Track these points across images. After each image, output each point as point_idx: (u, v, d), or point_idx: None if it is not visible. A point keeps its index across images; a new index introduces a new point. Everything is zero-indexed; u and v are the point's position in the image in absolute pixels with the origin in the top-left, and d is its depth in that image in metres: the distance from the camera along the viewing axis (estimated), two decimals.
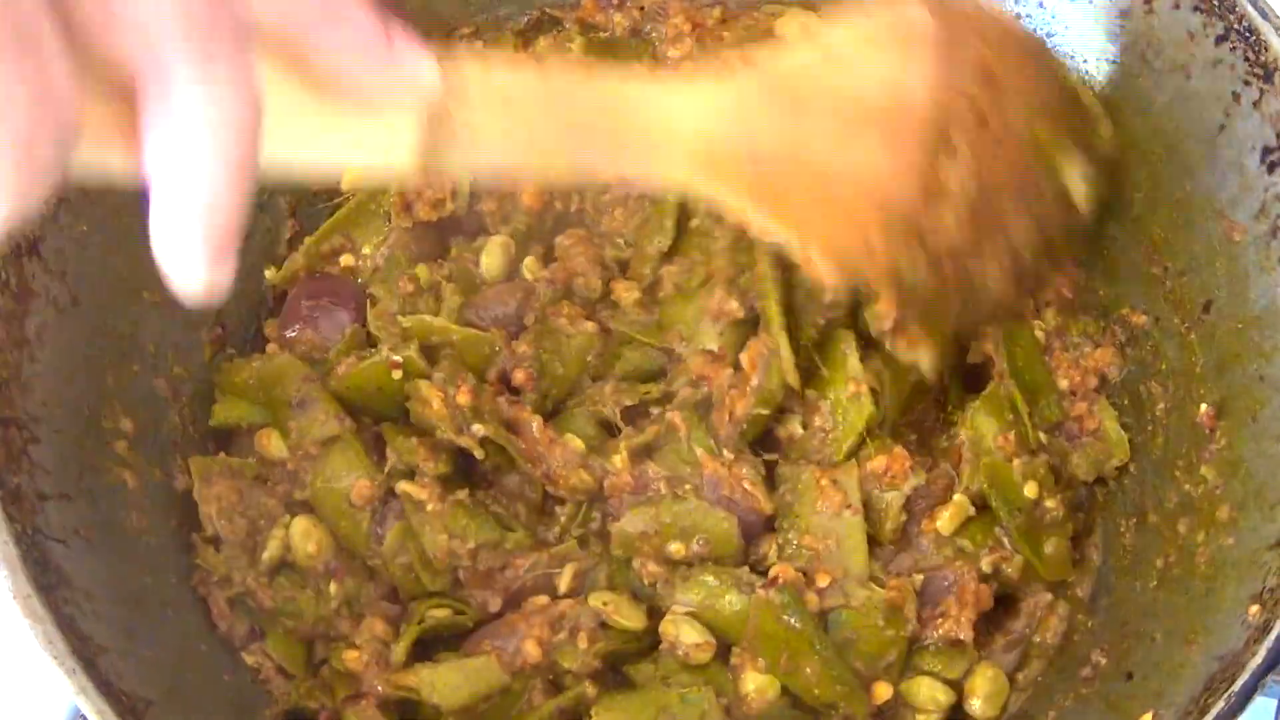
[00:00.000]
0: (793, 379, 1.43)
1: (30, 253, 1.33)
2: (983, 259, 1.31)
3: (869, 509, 1.42)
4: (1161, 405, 1.47)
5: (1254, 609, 1.20)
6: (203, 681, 1.36)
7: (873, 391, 1.44)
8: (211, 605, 1.42)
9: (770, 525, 1.43)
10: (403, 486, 1.42)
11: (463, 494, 1.43)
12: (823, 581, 1.38)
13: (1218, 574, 1.29)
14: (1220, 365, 1.39)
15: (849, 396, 1.44)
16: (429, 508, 1.41)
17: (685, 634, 1.37)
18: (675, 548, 1.40)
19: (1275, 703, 1.50)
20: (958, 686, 1.41)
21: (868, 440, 1.44)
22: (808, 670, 1.34)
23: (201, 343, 1.55)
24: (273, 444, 1.48)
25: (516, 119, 1.06)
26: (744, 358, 1.44)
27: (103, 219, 1.41)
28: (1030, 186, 1.33)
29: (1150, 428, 1.48)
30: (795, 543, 1.40)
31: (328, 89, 0.90)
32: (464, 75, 1.01)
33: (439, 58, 0.96)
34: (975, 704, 1.40)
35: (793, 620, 1.34)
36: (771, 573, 1.38)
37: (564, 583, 1.42)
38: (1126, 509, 1.48)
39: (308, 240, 1.60)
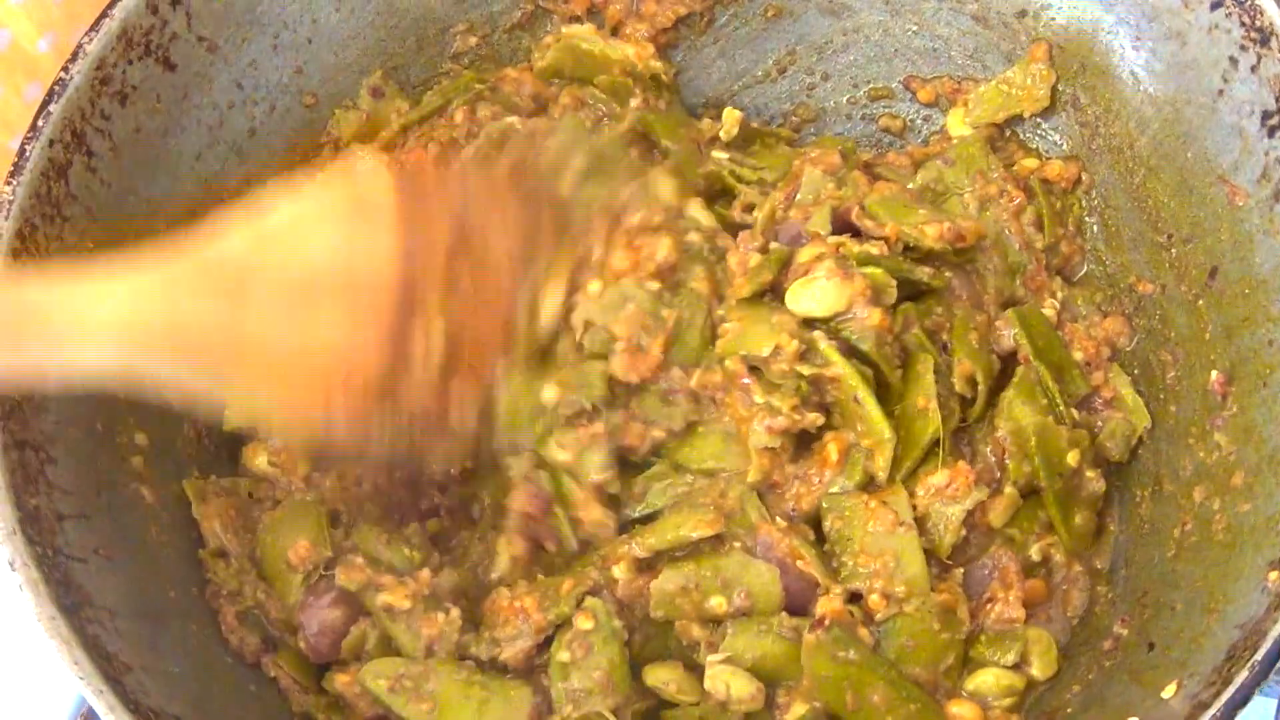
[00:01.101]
0: (883, 472, 1.42)
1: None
2: (452, 406, 1.32)
3: (928, 524, 1.41)
4: (1172, 373, 1.47)
5: (1273, 575, 1.20)
6: (229, 694, 1.36)
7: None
8: (221, 619, 1.42)
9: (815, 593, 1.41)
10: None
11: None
12: (875, 599, 1.37)
13: (1235, 541, 1.29)
14: (1229, 331, 1.39)
15: (918, 410, 1.43)
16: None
17: (737, 688, 1.35)
18: (716, 602, 1.37)
19: (1275, 702, 1.51)
20: (1016, 668, 1.41)
21: (935, 453, 1.43)
22: (875, 698, 1.33)
23: None
24: (259, 459, 1.49)
25: None
26: (830, 447, 1.42)
27: (108, 236, 1.41)
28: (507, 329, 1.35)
29: (1163, 396, 1.48)
30: (850, 564, 1.39)
31: None
32: None
33: None
34: (1034, 668, 1.40)
35: (850, 654, 1.33)
36: (818, 613, 1.36)
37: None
38: (1142, 479, 1.48)
39: None
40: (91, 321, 1.16)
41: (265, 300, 1.22)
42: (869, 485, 1.42)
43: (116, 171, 1.42)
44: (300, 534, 1.42)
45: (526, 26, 1.69)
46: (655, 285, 1.44)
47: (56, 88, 1.36)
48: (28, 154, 1.34)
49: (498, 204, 1.36)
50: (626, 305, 1.42)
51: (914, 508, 1.41)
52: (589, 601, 1.37)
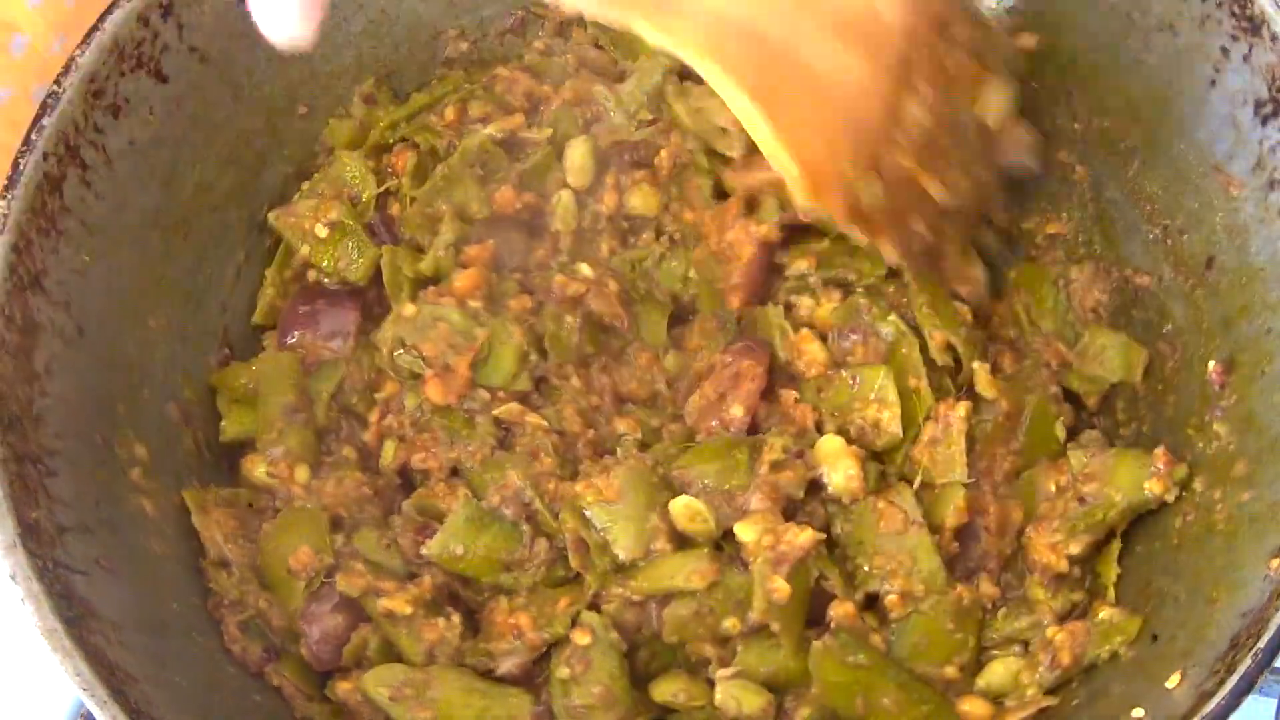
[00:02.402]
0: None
1: (33, 286, 1.33)
2: (931, 183, 1.35)
3: (928, 505, 1.42)
4: (1170, 364, 1.47)
5: (1275, 563, 1.20)
6: (233, 704, 1.36)
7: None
8: (223, 629, 1.42)
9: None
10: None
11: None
12: (892, 599, 1.38)
13: (1237, 531, 1.30)
14: (1226, 321, 1.39)
15: (908, 390, 1.44)
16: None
17: (748, 704, 1.35)
18: (730, 623, 1.36)
19: (1275, 702, 1.51)
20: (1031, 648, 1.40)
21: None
22: (886, 701, 1.33)
23: (210, 365, 1.55)
24: (258, 470, 1.48)
25: None
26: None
27: (104, 249, 1.41)
28: (967, 123, 1.38)
29: (1161, 387, 1.48)
30: (866, 567, 1.39)
31: None
32: None
33: None
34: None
35: (859, 658, 1.33)
36: (827, 617, 1.37)
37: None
38: None
39: (269, 271, 1.59)
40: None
41: (811, 13, 1.25)
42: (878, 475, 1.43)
43: (111, 184, 1.42)
44: (301, 541, 1.42)
45: (518, 31, 1.69)
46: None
47: (49, 101, 1.36)
48: (21, 168, 1.33)
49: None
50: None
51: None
52: (585, 616, 1.37)
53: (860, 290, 1.51)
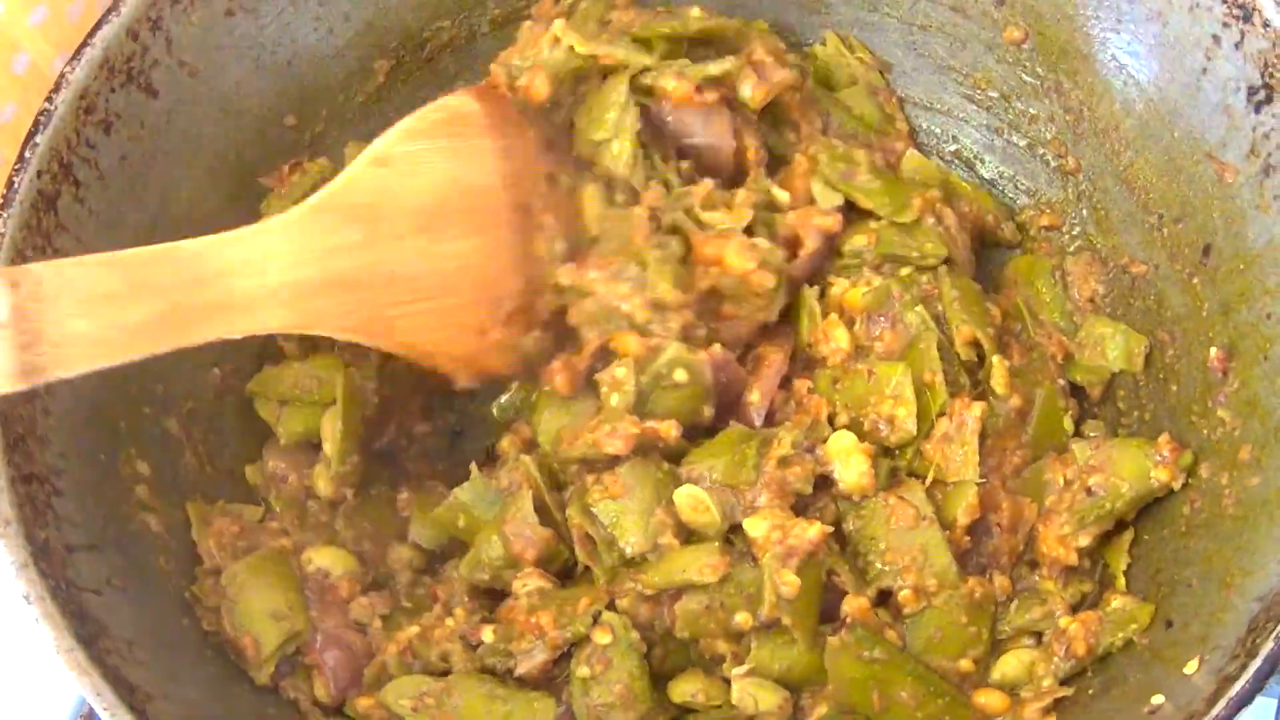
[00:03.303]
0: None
1: None
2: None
3: (940, 502, 1.42)
4: (1171, 352, 1.47)
5: None
6: (249, 718, 1.36)
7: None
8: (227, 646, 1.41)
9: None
10: None
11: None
12: (906, 594, 1.38)
13: (1248, 515, 1.30)
14: (1226, 307, 1.40)
15: (923, 384, 1.44)
16: None
17: (764, 701, 1.35)
18: (742, 618, 1.35)
19: (1276, 703, 1.52)
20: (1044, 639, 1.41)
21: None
22: (903, 695, 1.33)
23: (210, 379, 1.54)
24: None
25: (108, 313, 1.15)
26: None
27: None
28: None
29: (1162, 375, 1.49)
30: (877, 563, 1.39)
31: None
32: (38, 281, 1.11)
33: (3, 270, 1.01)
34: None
35: (875, 653, 1.33)
36: (842, 613, 1.37)
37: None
38: None
39: None
40: (271, 283, 1.24)
41: (397, 223, 1.31)
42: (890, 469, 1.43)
43: (104, 200, 1.41)
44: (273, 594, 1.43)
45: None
46: None
47: (41, 118, 1.35)
48: (16, 186, 1.33)
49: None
50: None
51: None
52: (606, 615, 1.37)
53: (904, 273, 1.51)
